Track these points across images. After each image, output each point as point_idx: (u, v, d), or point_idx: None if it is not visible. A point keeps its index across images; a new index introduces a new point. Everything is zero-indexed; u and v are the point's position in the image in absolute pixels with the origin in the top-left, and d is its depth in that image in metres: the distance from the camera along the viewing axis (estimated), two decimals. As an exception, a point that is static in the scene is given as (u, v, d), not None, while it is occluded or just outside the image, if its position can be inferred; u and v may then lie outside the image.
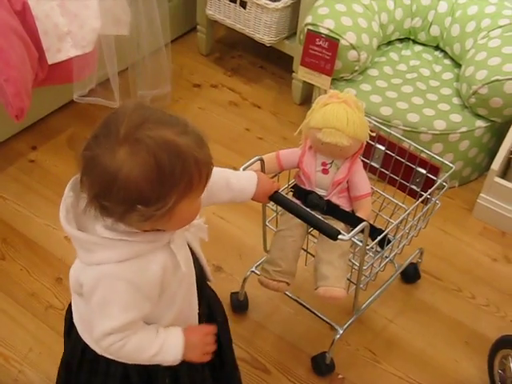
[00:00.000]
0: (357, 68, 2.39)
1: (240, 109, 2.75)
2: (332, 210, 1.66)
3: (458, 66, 2.52)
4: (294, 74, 2.70)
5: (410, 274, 2.08)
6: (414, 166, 1.75)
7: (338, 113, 1.56)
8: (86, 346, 1.29)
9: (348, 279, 1.69)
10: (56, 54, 2.11)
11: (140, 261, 1.12)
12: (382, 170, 1.84)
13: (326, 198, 1.67)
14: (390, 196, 1.86)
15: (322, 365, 1.82)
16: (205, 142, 1.09)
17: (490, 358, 1.79)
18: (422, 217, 1.76)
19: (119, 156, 1.03)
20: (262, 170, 1.63)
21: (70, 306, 1.37)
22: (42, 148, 2.48)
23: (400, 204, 1.83)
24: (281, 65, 2.92)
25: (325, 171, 1.66)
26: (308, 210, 1.54)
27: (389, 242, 1.68)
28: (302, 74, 2.46)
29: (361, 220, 1.55)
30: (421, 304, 2.04)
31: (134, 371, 1.29)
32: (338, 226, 1.60)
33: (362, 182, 1.68)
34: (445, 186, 1.72)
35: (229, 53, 3.05)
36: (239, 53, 3.05)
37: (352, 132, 1.56)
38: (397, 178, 1.81)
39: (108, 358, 1.27)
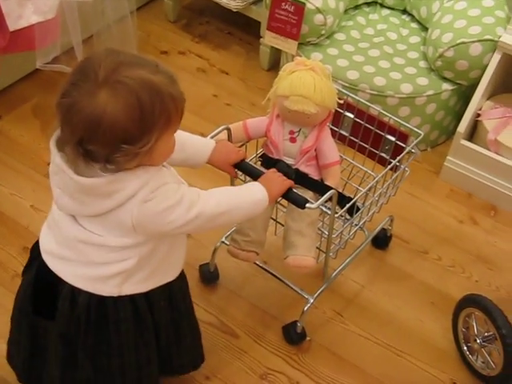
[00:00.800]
0: (323, 32, 2.38)
1: (208, 75, 2.73)
2: (300, 178, 1.64)
3: (425, 29, 2.51)
4: (261, 39, 2.67)
5: (381, 240, 2.09)
6: (383, 134, 1.74)
7: (305, 80, 1.54)
8: (89, 307, 1.32)
9: (317, 248, 1.70)
10: (17, 20, 2.07)
11: (157, 175, 1.21)
12: (352, 137, 1.82)
13: (294, 167, 1.65)
14: (359, 164, 1.86)
15: (292, 333, 1.82)
16: (176, 79, 1.17)
17: (455, 316, 1.82)
18: (392, 184, 1.77)
19: (101, 98, 1.08)
20: (229, 138, 1.63)
21: (30, 286, 1.40)
22: (6, 117, 2.44)
23: (369, 172, 1.84)
24: (248, 31, 2.90)
25: (292, 140, 1.65)
26: None
27: (358, 209, 1.68)
28: (268, 38, 2.44)
29: (329, 188, 1.55)
30: (388, 267, 2.06)
31: (141, 300, 1.35)
32: (307, 194, 1.59)
33: (331, 149, 1.67)
34: (414, 152, 1.71)
35: (196, 19, 3.02)
36: (207, 19, 3.02)
37: (319, 99, 1.54)
38: (366, 145, 1.80)
39: (116, 301, 1.32)
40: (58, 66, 2.35)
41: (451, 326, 1.84)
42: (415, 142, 1.71)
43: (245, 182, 1.70)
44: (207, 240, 1.99)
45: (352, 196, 1.67)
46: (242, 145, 1.71)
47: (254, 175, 1.51)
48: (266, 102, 1.66)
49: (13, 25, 2.06)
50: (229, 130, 1.62)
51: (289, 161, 1.66)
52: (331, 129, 1.81)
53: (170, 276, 1.41)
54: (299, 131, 1.64)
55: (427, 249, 2.12)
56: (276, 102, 1.62)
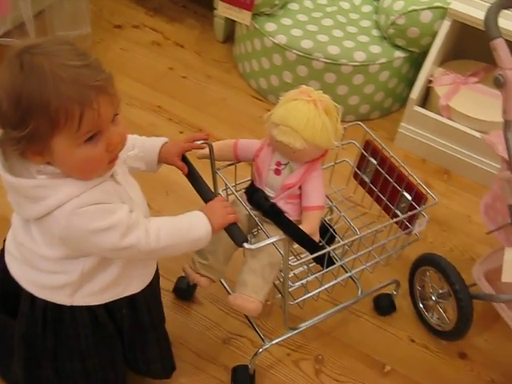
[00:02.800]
0: (277, 2, 2.39)
1: (163, 48, 2.73)
2: (273, 214, 1.51)
3: (377, -2, 2.55)
4: (215, 11, 2.68)
5: (383, 306, 1.92)
6: (400, 189, 1.63)
7: (300, 112, 1.42)
8: (45, 308, 1.30)
9: (280, 292, 1.61)
10: (-35, -6, 2.05)
11: (93, 191, 1.14)
12: (371, 185, 1.74)
13: (272, 201, 1.53)
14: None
15: (243, 378, 1.71)
16: (93, 88, 1.06)
17: (411, 276, 1.87)
18: (392, 244, 1.69)
19: None
20: (211, 154, 1.50)
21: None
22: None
23: (353, 226, 1.75)
24: (202, 3, 2.91)
25: (277, 171, 1.52)
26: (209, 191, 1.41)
27: (332, 261, 1.56)
28: (222, 9, 2.45)
29: (297, 232, 1.45)
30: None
31: (99, 310, 1.32)
32: (278, 232, 1.46)
33: (315, 192, 1.52)
34: (424, 217, 1.62)
35: (150, -8, 3.01)
36: (160, -8, 3.01)
37: (308, 136, 1.41)
38: (383, 197, 1.70)
39: (72, 307, 1.29)
40: (9, 40, 2.33)
41: (408, 286, 1.89)
42: (426, 206, 1.60)
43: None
44: (166, 210, 2.00)
45: (327, 246, 1.55)
46: (230, 165, 1.61)
47: (190, 174, 1.42)
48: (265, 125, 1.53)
49: (-39, -1, 2.04)
50: (210, 145, 1.48)
51: (270, 193, 1.54)
52: (355, 171, 1.75)
53: (133, 289, 1.35)
54: (286, 164, 1.51)
55: (383, 212, 2.16)
56: (269, 128, 1.50)
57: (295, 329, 1.73)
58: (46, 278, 1.26)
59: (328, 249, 1.50)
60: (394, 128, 2.41)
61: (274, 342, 1.71)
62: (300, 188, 1.53)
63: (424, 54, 2.37)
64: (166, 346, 1.56)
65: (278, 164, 1.52)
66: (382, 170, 1.68)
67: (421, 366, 1.81)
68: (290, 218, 1.52)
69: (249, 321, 1.77)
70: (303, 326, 1.74)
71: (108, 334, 1.37)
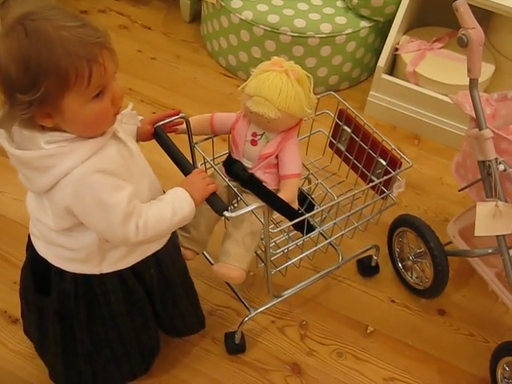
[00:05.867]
0: (241, -21, 2.41)
1: (130, 32, 2.74)
2: (252, 184, 1.56)
3: (340, -30, 2.58)
4: (180, -9, 2.70)
5: (364, 267, 1.98)
6: (375, 156, 1.67)
7: (273, 82, 1.45)
8: (76, 281, 1.34)
9: (263, 261, 1.64)
10: None
11: (99, 154, 1.17)
12: (347, 153, 1.77)
13: (250, 171, 1.58)
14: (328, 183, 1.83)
15: (231, 344, 1.77)
16: (96, 44, 1.11)
17: (389, 238, 1.93)
18: (370, 209, 1.73)
19: None
20: (189, 129, 1.54)
21: (28, 264, 1.42)
22: None
23: (331, 193, 1.81)
24: (167, -16, 2.92)
25: (253, 142, 1.56)
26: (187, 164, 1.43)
27: (312, 229, 1.60)
28: (187, -12, 2.46)
29: (276, 200, 1.49)
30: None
31: (127, 274, 1.37)
32: (257, 201, 1.49)
33: (292, 160, 1.57)
34: (399, 180, 1.65)
35: (114, -24, 3.01)
36: (124, -25, 3.01)
37: (282, 105, 1.45)
38: (359, 165, 1.74)
39: (100, 276, 1.33)
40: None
41: (387, 249, 1.95)
42: (400, 170, 1.64)
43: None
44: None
45: (305, 212, 1.58)
46: (208, 138, 1.64)
47: (163, 144, 1.44)
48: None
49: None
50: (187, 120, 1.51)
51: (247, 164, 1.58)
52: (330, 141, 1.78)
53: (154, 247, 1.39)
54: (262, 135, 1.55)
55: (360, 180, 2.20)
56: (243, 100, 1.53)
57: (279, 296, 1.77)
58: (69, 252, 1.30)
59: (306, 215, 1.53)
60: (364, 97, 2.45)
61: (258, 310, 1.75)
62: (277, 157, 1.56)
63: (389, 22, 2.41)
64: (194, 295, 1.62)
65: (254, 135, 1.55)
66: (356, 138, 1.72)
67: (402, 325, 1.87)
68: (269, 187, 1.56)
69: (233, 291, 1.81)
70: (286, 293, 1.78)
71: (138, 297, 1.42)
